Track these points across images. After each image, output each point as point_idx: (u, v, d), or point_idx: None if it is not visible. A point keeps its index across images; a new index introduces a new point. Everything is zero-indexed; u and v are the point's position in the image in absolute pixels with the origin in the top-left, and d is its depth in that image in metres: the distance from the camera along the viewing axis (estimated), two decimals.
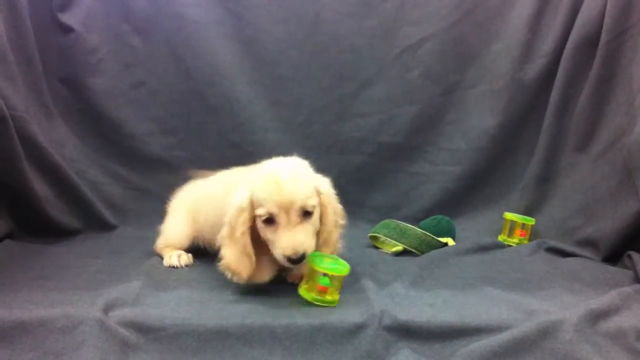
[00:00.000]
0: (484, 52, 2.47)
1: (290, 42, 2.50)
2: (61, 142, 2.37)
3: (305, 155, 2.46)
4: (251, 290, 1.57)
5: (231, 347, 1.35)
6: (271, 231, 1.52)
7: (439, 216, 2.23)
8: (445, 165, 2.49)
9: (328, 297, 1.46)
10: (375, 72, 2.51)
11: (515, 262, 1.89)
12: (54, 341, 1.32)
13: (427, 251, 2.01)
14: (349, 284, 1.58)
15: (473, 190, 2.47)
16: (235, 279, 1.54)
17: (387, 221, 2.16)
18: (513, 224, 2.18)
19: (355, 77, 2.52)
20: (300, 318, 1.39)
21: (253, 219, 1.55)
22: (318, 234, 1.58)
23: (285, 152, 2.44)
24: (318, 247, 1.57)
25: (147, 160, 2.46)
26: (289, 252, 1.47)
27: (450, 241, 2.12)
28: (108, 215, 2.39)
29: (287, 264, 1.50)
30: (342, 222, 1.65)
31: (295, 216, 1.50)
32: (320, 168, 2.48)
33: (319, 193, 1.58)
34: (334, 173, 2.46)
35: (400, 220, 2.14)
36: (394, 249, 2.06)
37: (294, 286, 1.56)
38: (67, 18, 2.40)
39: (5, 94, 1.96)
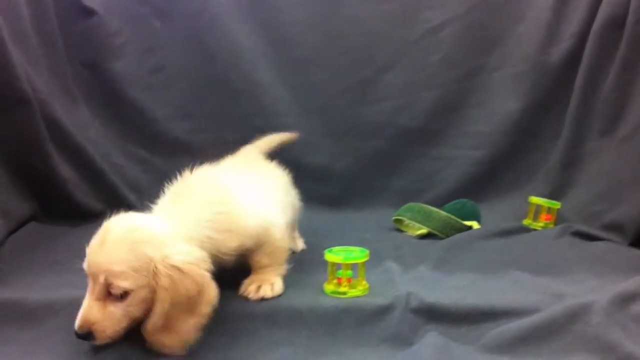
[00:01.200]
0: (507, 35, 2.44)
1: (310, 25, 2.48)
2: (84, 125, 2.38)
3: (325, 139, 2.51)
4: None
5: (256, 328, 1.36)
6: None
7: (464, 199, 2.21)
8: (469, 149, 2.47)
9: (343, 289, 1.43)
10: (395, 56, 2.49)
11: (541, 246, 1.87)
12: None
13: (452, 234, 2.00)
14: (374, 267, 1.58)
15: (497, 175, 2.45)
16: None
17: (411, 204, 2.15)
18: (538, 208, 2.16)
19: (375, 60, 2.49)
20: (325, 300, 1.39)
21: None
22: (150, 315, 1.23)
23: (306, 137, 2.48)
24: (152, 332, 1.23)
25: (168, 143, 2.46)
26: (75, 323, 1.21)
27: (475, 224, 2.10)
28: (131, 197, 2.39)
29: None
30: (205, 311, 1.25)
31: (99, 290, 1.21)
32: (340, 153, 2.51)
33: (153, 274, 1.21)
34: (355, 157, 2.52)
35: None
36: (418, 232, 2.06)
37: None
38: (89, 1, 2.39)
39: (29, 76, 1.97)
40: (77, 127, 2.28)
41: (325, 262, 1.48)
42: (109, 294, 1.21)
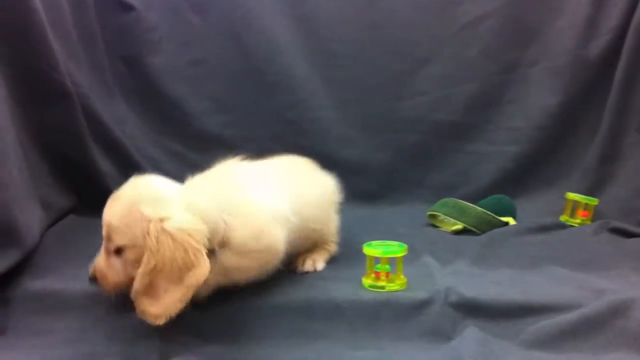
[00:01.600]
0: (546, 29, 2.41)
1: (346, 19, 2.47)
2: (122, 119, 2.40)
3: (360, 133, 2.51)
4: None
5: (294, 321, 1.36)
6: None
7: (500, 195, 2.20)
8: (505, 144, 2.44)
9: (381, 283, 1.43)
10: (432, 50, 2.47)
11: (579, 242, 1.85)
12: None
13: (488, 230, 1.99)
14: (410, 261, 1.57)
15: (533, 170, 2.42)
16: None
17: (446, 200, 2.14)
18: (575, 204, 2.13)
19: (412, 54, 2.48)
20: (364, 294, 1.40)
21: None
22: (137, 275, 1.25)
23: (341, 131, 2.48)
24: (136, 294, 1.23)
25: (204, 137, 2.47)
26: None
27: (511, 220, 2.08)
28: None
29: None
30: (191, 283, 1.21)
31: (105, 244, 1.31)
32: (376, 147, 2.51)
33: (146, 235, 1.22)
34: (390, 152, 2.51)
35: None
36: (454, 228, 2.05)
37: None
38: None
39: (70, 70, 1.98)
40: (115, 121, 2.30)
41: (362, 256, 1.49)
42: (110, 247, 1.29)
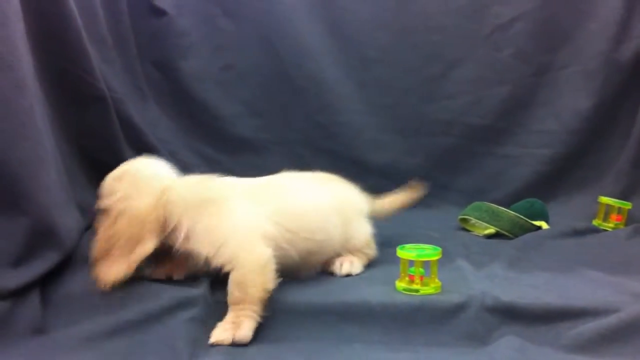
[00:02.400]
0: (578, 32, 2.39)
1: (377, 23, 2.48)
2: (154, 123, 2.43)
3: (391, 137, 2.51)
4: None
5: (330, 323, 1.37)
6: None
7: (532, 199, 2.18)
8: (536, 147, 2.43)
9: (415, 286, 1.42)
10: (464, 53, 2.47)
11: (614, 246, 1.83)
12: (166, 317, 1.37)
13: (520, 234, 1.98)
14: (444, 265, 1.55)
15: (565, 174, 2.40)
16: None
17: (478, 203, 2.13)
18: (608, 208, 2.11)
19: (444, 57, 2.48)
20: (398, 297, 1.39)
21: None
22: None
23: (372, 135, 2.48)
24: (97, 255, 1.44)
25: (235, 141, 2.49)
26: None
27: (543, 224, 2.07)
28: None
29: None
30: (140, 252, 1.41)
31: None
32: (407, 150, 2.50)
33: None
34: (421, 155, 2.51)
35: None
36: (486, 232, 2.04)
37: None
38: (160, 2, 2.44)
39: (104, 75, 2.01)
40: (148, 125, 2.33)
41: (395, 259, 1.48)
42: None
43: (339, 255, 1.62)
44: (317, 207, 1.59)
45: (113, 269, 1.39)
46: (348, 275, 1.57)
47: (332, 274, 1.57)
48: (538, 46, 2.43)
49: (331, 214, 1.61)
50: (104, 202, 1.48)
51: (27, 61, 1.50)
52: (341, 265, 1.59)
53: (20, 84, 1.43)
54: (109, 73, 2.08)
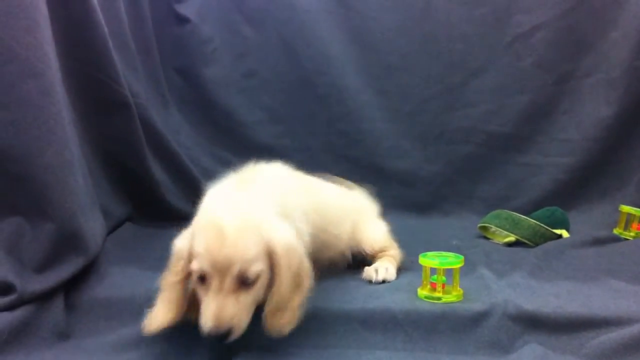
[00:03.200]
0: (600, 41, 2.39)
1: (400, 31, 2.49)
2: (176, 129, 2.45)
3: (412, 145, 2.51)
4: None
5: (353, 331, 1.37)
6: (203, 291, 1.25)
7: (553, 207, 2.18)
8: (558, 156, 2.43)
9: (437, 294, 1.42)
10: (485, 61, 2.47)
11: (635, 255, 1.81)
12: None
13: (541, 243, 1.97)
14: (466, 273, 1.57)
15: (587, 183, 2.40)
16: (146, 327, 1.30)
17: (498, 211, 2.13)
18: (630, 217, 2.09)
19: (465, 65, 2.48)
20: (420, 305, 1.39)
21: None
22: (270, 296, 1.27)
23: (393, 142, 2.48)
24: (271, 313, 1.25)
25: (256, 148, 2.49)
26: (209, 325, 1.20)
27: (564, 233, 2.06)
28: None
29: (207, 337, 1.22)
30: (307, 284, 1.30)
31: (231, 283, 1.22)
32: (427, 158, 2.51)
33: (270, 253, 1.26)
34: (442, 163, 2.51)
35: None
36: (506, 240, 2.03)
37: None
38: (183, 9, 2.48)
39: (128, 81, 2.03)
40: (170, 132, 2.35)
41: (417, 266, 1.49)
42: (239, 285, 1.23)
43: (344, 256, 1.68)
44: (337, 202, 1.70)
45: (293, 308, 1.28)
46: (384, 282, 1.57)
47: (370, 281, 1.57)
48: (559, 55, 2.43)
49: (346, 211, 1.70)
50: (260, 264, 1.25)
51: (55, 67, 1.52)
52: (376, 271, 1.59)
53: (49, 90, 1.46)
54: (132, 79, 2.11)
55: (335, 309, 1.39)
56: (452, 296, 1.42)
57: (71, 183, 1.49)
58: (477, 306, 1.37)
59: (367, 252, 1.70)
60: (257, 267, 1.23)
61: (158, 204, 2.24)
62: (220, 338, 1.20)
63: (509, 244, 2.03)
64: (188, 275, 1.28)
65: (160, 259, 1.77)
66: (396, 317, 1.37)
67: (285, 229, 1.30)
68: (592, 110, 2.39)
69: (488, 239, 2.13)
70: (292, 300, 1.27)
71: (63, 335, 1.43)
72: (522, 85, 2.45)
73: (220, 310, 1.20)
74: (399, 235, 2.08)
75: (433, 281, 1.44)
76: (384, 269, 1.60)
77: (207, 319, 1.20)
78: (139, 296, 1.47)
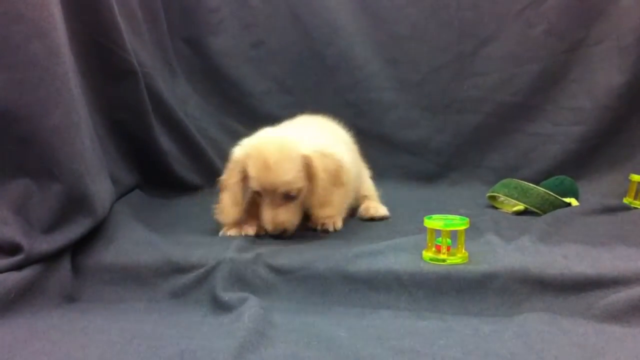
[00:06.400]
0: (611, 8, 2.36)
1: (409, 0, 2.47)
2: (184, 99, 2.45)
3: (421, 114, 2.50)
4: (378, 239, 1.59)
5: (357, 290, 1.38)
6: (260, 201, 1.67)
7: (562, 176, 2.16)
8: (568, 125, 2.41)
9: (442, 256, 1.41)
10: (496, 29, 2.45)
11: None
12: (193, 278, 1.41)
13: (550, 211, 1.95)
14: (473, 238, 1.56)
15: (597, 151, 2.39)
16: (220, 220, 1.71)
17: (507, 180, 2.11)
18: None
19: (475, 34, 2.46)
20: (425, 266, 1.39)
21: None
22: (312, 197, 1.66)
23: (402, 112, 2.47)
24: (314, 208, 1.67)
25: (265, 118, 2.46)
26: (269, 228, 1.64)
27: (573, 201, 2.05)
28: None
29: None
30: (345, 182, 1.69)
31: (278, 199, 1.63)
32: (436, 128, 2.49)
33: (308, 165, 1.63)
34: (451, 133, 2.50)
35: None
36: (515, 209, 2.02)
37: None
38: None
39: (135, 50, 2.03)
40: (177, 101, 2.36)
41: (423, 230, 1.48)
42: (286, 199, 1.62)
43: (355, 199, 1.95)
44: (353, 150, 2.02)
45: (336, 202, 1.69)
46: (383, 218, 1.91)
47: (371, 219, 1.91)
48: (570, 22, 2.40)
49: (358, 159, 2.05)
50: (300, 182, 1.63)
51: (61, 29, 1.52)
52: (376, 208, 1.94)
53: (55, 51, 1.45)
54: (139, 48, 2.11)
55: (340, 270, 1.40)
56: (457, 258, 1.41)
57: (78, 145, 1.49)
58: (482, 268, 1.36)
59: (363, 194, 2.00)
60: (297, 185, 1.62)
61: (165, 173, 2.26)
62: (279, 236, 1.64)
63: (518, 213, 2.02)
64: (244, 178, 1.66)
65: (168, 224, 1.81)
66: (400, 277, 1.37)
67: (319, 142, 1.69)
68: (603, 79, 2.37)
69: (497, 208, 2.11)
70: (332, 195, 1.66)
71: (69, 298, 1.44)
72: (532, 54, 2.43)
73: (274, 217, 1.62)
74: (407, 204, 2.09)
75: (438, 243, 1.43)
76: (380, 207, 1.95)
77: (267, 223, 1.63)
78: (144, 263, 1.48)
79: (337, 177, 1.67)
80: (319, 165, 1.63)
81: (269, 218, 1.63)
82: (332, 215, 1.72)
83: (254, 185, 1.62)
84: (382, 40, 2.49)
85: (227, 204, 1.68)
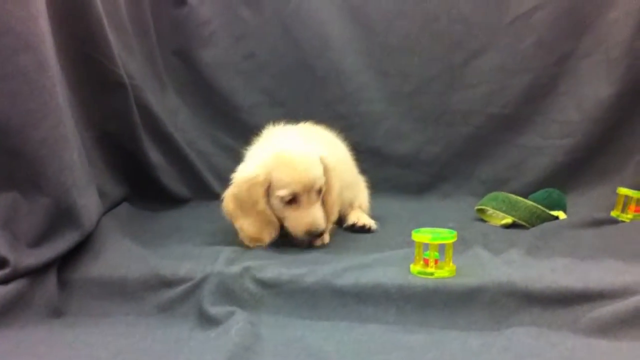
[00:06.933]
0: (600, 21, 2.36)
1: (400, 12, 2.47)
2: (173, 111, 2.45)
3: (411, 126, 2.50)
4: (367, 252, 1.60)
5: (345, 304, 1.38)
6: (291, 210, 1.69)
7: (550, 189, 2.16)
8: (557, 137, 2.41)
9: (430, 269, 1.41)
10: (486, 42, 2.45)
11: (634, 237, 1.80)
12: (181, 291, 1.40)
13: (538, 224, 1.96)
14: (461, 252, 1.57)
15: (585, 164, 2.39)
16: (256, 245, 1.69)
17: (495, 193, 2.12)
18: (627, 200, 2.09)
19: (466, 46, 2.46)
20: (413, 280, 1.39)
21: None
22: (326, 197, 1.77)
23: (392, 124, 2.47)
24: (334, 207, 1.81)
25: (255, 131, 2.43)
26: (313, 229, 1.67)
27: (561, 214, 2.05)
28: (215, 185, 2.45)
29: (306, 238, 1.69)
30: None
31: (314, 196, 1.69)
32: (427, 140, 2.50)
33: (326, 170, 1.74)
34: (441, 145, 2.50)
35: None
36: (503, 222, 2.03)
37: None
38: None
39: (124, 62, 2.02)
40: (167, 114, 2.35)
41: (411, 244, 1.48)
42: (318, 196, 1.71)
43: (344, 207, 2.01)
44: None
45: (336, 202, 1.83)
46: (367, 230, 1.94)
47: (364, 227, 1.94)
48: (559, 35, 2.40)
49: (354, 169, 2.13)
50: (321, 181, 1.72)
51: (49, 42, 1.52)
52: (358, 217, 1.98)
53: (43, 64, 1.46)
54: (128, 61, 2.10)
55: (329, 283, 1.40)
56: (444, 271, 1.42)
57: (66, 158, 1.49)
58: (470, 281, 1.37)
59: (355, 205, 2.05)
60: (323, 180, 1.71)
61: (154, 185, 2.25)
62: (318, 236, 1.70)
63: (506, 226, 2.02)
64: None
65: (157, 237, 1.80)
66: (389, 291, 1.37)
67: (323, 151, 1.76)
68: (591, 91, 2.37)
69: (485, 221, 2.12)
70: (335, 206, 1.81)
71: (56, 311, 1.44)
72: (522, 66, 2.43)
73: (315, 216, 1.68)
74: (397, 217, 2.09)
75: (426, 257, 1.44)
76: (366, 218, 1.99)
77: (310, 224, 1.67)
78: (131, 277, 1.48)
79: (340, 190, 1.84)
80: (331, 162, 1.76)
81: (312, 217, 1.68)
82: (334, 219, 1.85)
83: (287, 192, 1.66)
84: (372, 52, 2.50)
85: (258, 226, 1.70)
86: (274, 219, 1.71)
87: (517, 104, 2.46)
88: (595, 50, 2.38)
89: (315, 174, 1.69)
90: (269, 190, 1.69)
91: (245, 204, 1.69)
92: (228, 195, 1.71)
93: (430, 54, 2.48)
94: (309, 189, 1.67)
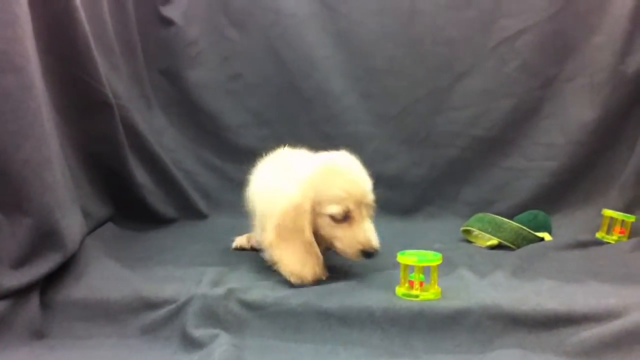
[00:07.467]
0: (584, 45, 2.39)
1: (385, 35, 2.48)
2: (159, 132, 2.45)
3: (397, 148, 2.51)
4: (352, 274, 1.60)
5: (330, 327, 1.37)
6: (343, 228, 1.52)
7: (535, 210, 2.18)
8: (542, 160, 2.42)
9: (415, 292, 1.41)
10: (471, 65, 2.47)
11: (618, 258, 1.81)
12: (164, 313, 1.38)
13: (523, 246, 1.96)
14: (446, 274, 1.57)
15: (570, 186, 2.39)
16: (299, 282, 1.49)
17: (481, 215, 2.12)
18: (612, 221, 2.10)
19: (451, 69, 2.48)
20: (398, 302, 1.39)
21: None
22: None
23: (378, 145, 2.48)
24: None
25: (241, 151, 2.49)
26: (369, 247, 1.50)
27: (546, 236, 2.06)
28: (202, 205, 2.45)
29: (360, 259, 1.51)
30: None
31: (366, 210, 1.54)
32: (412, 162, 2.51)
33: None
34: (427, 167, 2.51)
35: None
36: (489, 243, 2.03)
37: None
38: (168, 11, 2.47)
39: (110, 82, 2.02)
40: (153, 134, 2.35)
41: (396, 266, 1.48)
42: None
43: None
44: None
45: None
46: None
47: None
48: (544, 59, 2.43)
49: None
50: None
51: (35, 63, 1.52)
52: None
53: (28, 85, 1.45)
54: (115, 81, 2.10)
55: (313, 305, 1.39)
56: (429, 294, 1.41)
57: (49, 179, 1.48)
58: (455, 304, 1.36)
59: None
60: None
61: (139, 205, 2.24)
62: (374, 255, 1.51)
63: (492, 247, 2.03)
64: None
65: (141, 258, 1.79)
66: (374, 314, 1.37)
67: None
68: (576, 115, 2.39)
69: (471, 242, 2.12)
70: None
71: (38, 334, 1.42)
72: (507, 89, 2.45)
73: (370, 233, 1.52)
74: (382, 239, 2.08)
75: (411, 279, 1.43)
76: None
77: (370, 241, 1.50)
78: (114, 299, 1.46)
79: None
80: None
81: (365, 234, 1.51)
82: None
83: (341, 208, 1.49)
84: (358, 74, 2.51)
85: (302, 256, 1.50)
86: (317, 250, 1.52)
87: (502, 126, 2.47)
88: (579, 74, 2.40)
89: (369, 184, 1.55)
90: (314, 210, 1.52)
91: (287, 233, 1.51)
92: (271, 228, 1.51)
93: (415, 77, 2.49)
94: (361, 202, 1.51)
